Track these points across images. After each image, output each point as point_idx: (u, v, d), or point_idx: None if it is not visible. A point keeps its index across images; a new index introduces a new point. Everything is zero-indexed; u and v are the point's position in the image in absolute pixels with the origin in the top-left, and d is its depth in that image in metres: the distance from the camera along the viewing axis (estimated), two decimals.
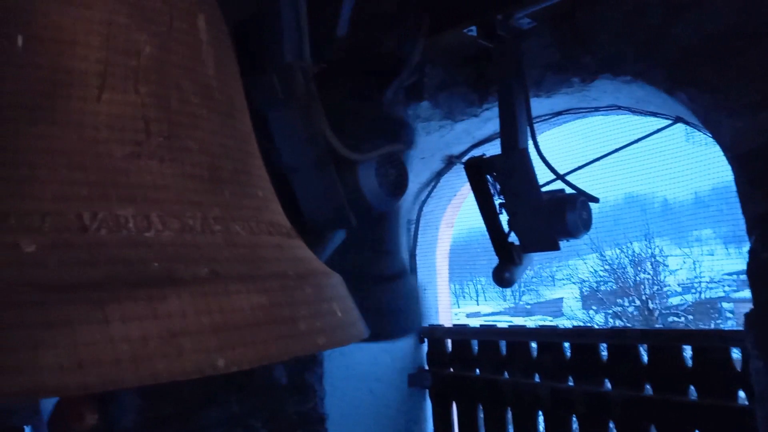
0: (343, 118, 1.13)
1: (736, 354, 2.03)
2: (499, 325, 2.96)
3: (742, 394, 1.99)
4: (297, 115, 1.04)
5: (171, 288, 0.64)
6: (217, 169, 0.80)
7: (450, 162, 2.57)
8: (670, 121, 1.87)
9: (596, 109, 2.00)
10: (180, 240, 0.71)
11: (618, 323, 17.07)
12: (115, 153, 0.71)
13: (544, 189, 1.67)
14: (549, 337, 2.47)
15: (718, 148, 1.82)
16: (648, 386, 2.19)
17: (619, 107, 1.91)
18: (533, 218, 1.66)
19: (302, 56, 1.05)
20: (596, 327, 3.07)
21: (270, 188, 0.95)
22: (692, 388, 2.11)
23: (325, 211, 1.14)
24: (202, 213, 0.76)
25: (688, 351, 2.15)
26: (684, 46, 1.41)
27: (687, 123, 1.80)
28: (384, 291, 1.50)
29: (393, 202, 1.17)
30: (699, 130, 1.75)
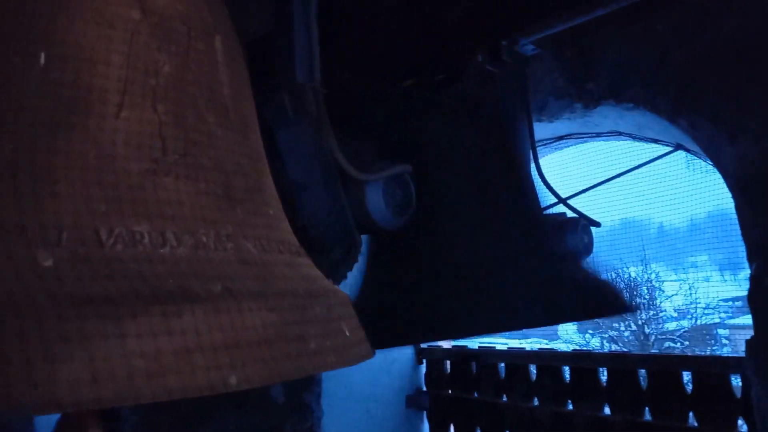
0: None
1: (735, 380, 2.03)
2: (496, 346, 2.95)
3: (740, 421, 1.99)
4: (307, 134, 1.05)
5: (185, 304, 0.65)
6: (231, 187, 0.81)
7: None
8: (670, 148, 1.89)
9: (597, 135, 2.02)
10: (194, 256, 0.72)
11: (614, 347, 17.00)
12: (132, 169, 0.72)
13: (545, 212, 1.68)
14: (548, 360, 2.47)
15: (714, 175, 1.84)
16: (647, 410, 2.18)
17: (620, 133, 1.94)
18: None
19: (313, 76, 1.07)
20: (595, 351, 3.07)
21: (280, 207, 0.96)
22: (691, 414, 2.10)
23: (331, 230, 1.15)
24: (216, 230, 0.77)
25: (686, 376, 2.15)
26: (689, 74, 1.44)
27: (687, 150, 1.82)
28: None
29: (399, 222, 1.18)
30: (699, 157, 1.78)
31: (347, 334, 0.85)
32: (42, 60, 0.71)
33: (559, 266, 1.25)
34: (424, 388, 2.90)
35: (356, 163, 1.10)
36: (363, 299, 1.35)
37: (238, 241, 0.78)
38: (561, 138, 2.09)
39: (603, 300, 1.25)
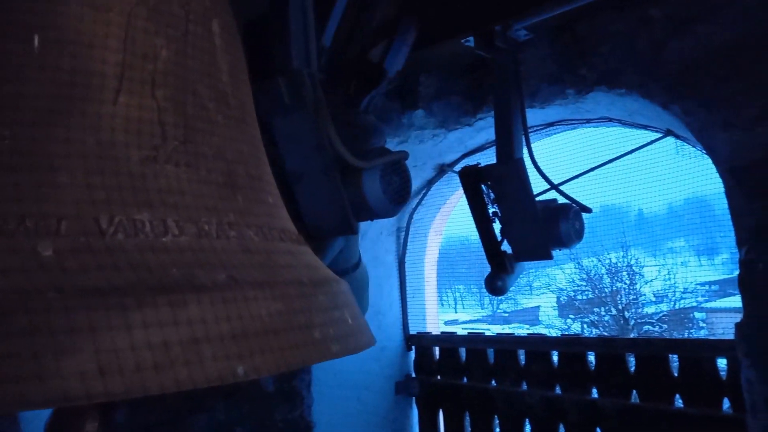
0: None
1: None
2: (484, 333, 2.97)
3: (726, 403, 2.03)
4: (304, 122, 1.04)
5: (191, 294, 0.64)
6: (232, 175, 0.80)
7: (442, 170, 2.59)
8: (659, 134, 1.91)
9: (588, 121, 2.03)
10: (197, 245, 0.71)
11: (595, 332, 17.27)
12: (132, 157, 0.70)
13: (537, 198, 1.69)
14: (537, 345, 2.49)
15: (693, 160, 1.86)
16: (635, 393, 2.22)
17: (611, 119, 1.95)
18: (527, 227, 1.67)
19: (309, 62, 1.05)
20: (583, 335, 3.10)
21: (278, 195, 0.95)
22: (678, 396, 2.14)
23: (327, 217, 1.14)
24: (218, 218, 0.76)
25: (672, 359, 2.19)
26: (684, 60, 1.44)
27: (677, 136, 1.84)
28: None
29: (396, 209, 1.17)
30: (689, 143, 1.79)
31: (350, 322, 0.84)
32: (36, 44, 0.68)
33: None
34: (414, 375, 2.91)
35: (354, 150, 1.09)
36: None
37: (240, 230, 0.77)
38: (552, 124, 2.09)
39: None
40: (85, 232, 0.64)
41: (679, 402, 2.14)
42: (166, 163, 0.73)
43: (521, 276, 1.93)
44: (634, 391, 2.22)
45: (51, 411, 0.97)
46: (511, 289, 1.85)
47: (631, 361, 2.28)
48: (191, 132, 0.76)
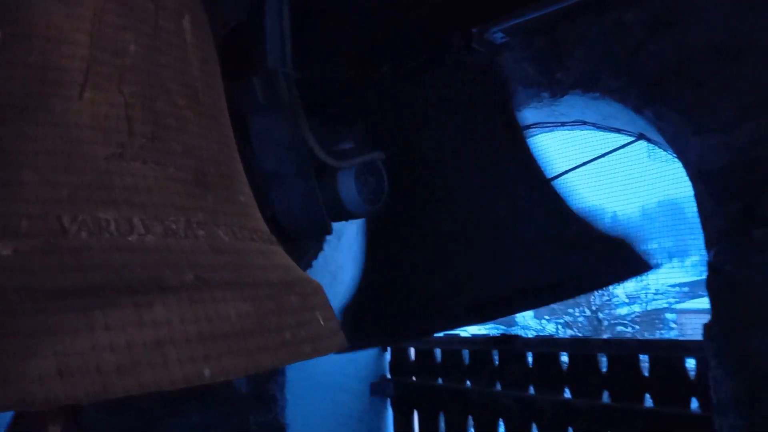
0: None
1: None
2: (460, 334, 2.98)
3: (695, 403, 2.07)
4: (279, 121, 1.03)
5: (157, 294, 0.62)
6: (202, 173, 0.79)
7: None
8: (632, 138, 1.94)
9: (563, 124, 2.05)
10: (163, 245, 0.70)
11: (569, 332, 17.49)
12: (97, 154, 0.69)
13: None
14: (512, 346, 2.51)
15: (666, 164, 1.88)
16: (606, 394, 2.25)
17: (585, 123, 1.97)
18: None
19: (285, 62, 1.04)
20: (553, 336, 3.14)
21: (250, 194, 0.93)
22: (648, 395, 2.18)
23: (302, 218, 1.13)
24: (186, 217, 0.74)
25: (643, 360, 2.23)
26: (658, 66, 1.46)
27: (649, 140, 1.87)
28: None
29: (372, 209, 1.16)
30: (660, 147, 1.82)
31: (322, 323, 0.83)
32: (1, 39, 0.66)
33: (572, 226, 1.15)
34: (389, 376, 2.91)
35: (329, 149, 1.08)
36: (366, 288, 1.31)
37: (209, 229, 0.76)
38: (528, 127, 2.11)
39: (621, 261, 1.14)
40: (47, 232, 0.62)
41: (649, 401, 2.17)
42: (133, 160, 0.71)
43: None
44: (606, 391, 2.25)
45: (12, 414, 0.95)
46: None
47: (604, 361, 2.31)
48: (160, 129, 0.74)
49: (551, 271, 1.05)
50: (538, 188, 1.21)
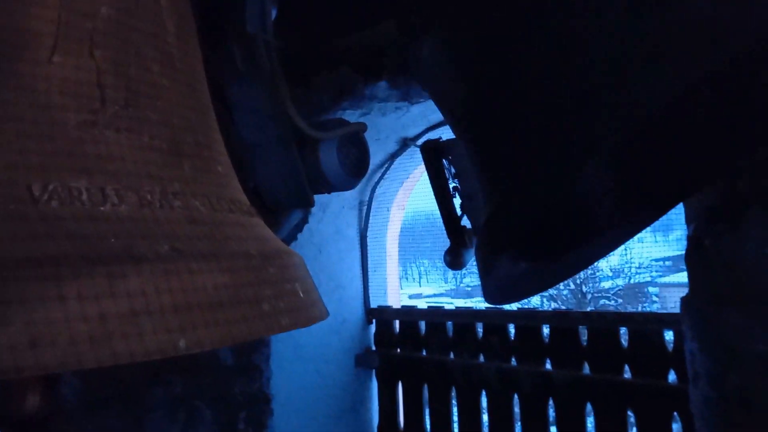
0: None
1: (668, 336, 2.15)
2: (444, 306, 3.01)
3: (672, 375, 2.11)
4: (259, 90, 1.01)
5: (130, 265, 0.61)
6: (178, 142, 0.77)
7: (405, 144, 2.57)
8: None
9: None
10: (138, 215, 0.68)
11: (554, 305, 17.76)
12: (68, 121, 0.67)
13: None
14: (495, 318, 2.53)
15: None
16: (587, 365, 2.29)
17: None
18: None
19: (265, 28, 1.02)
20: (537, 308, 3.18)
21: (229, 164, 0.92)
22: (627, 367, 2.22)
23: (284, 189, 1.12)
24: (161, 187, 0.73)
25: (623, 332, 2.26)
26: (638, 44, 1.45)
27: None
28: None
29: (354, 182, 1.15)
30: None
31: (301, 295, 0.83)
32: None
33: None
34: (374, 348, 2.93)
35: (310, 120, 1.06)
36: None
37: (186, 199, 0.74)
38: None
39: None
40: (16, 199, 0.61)
41: (628, 373, 2.22)
42: (106, 128, 0.69)
43: None
44: (586, 363, 2.29)
45: None
46: (469, 263, 1.86)
47: (585, 334, 2.35)
48: (134, 96, 0.72)
49: None
50: None
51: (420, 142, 2.08)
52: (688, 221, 1.49)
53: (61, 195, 0.64)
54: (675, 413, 2.06)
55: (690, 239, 1.48)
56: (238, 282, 0.69)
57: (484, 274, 0.98)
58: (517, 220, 0.83)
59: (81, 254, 0.60)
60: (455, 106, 0.97)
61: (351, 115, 2.10)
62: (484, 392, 2.56)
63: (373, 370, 2.90)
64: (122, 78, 0.72)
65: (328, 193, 1.17)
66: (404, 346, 2.85)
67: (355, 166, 1.15)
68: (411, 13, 0.90)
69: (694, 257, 1.45)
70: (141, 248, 0.64)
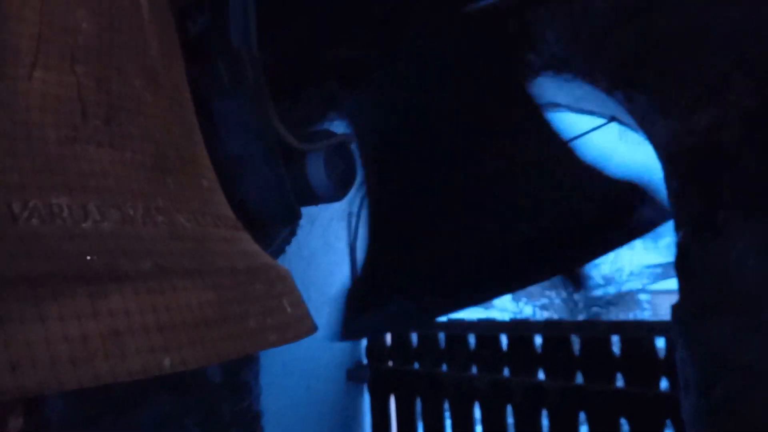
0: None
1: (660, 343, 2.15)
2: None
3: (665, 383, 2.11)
4: (244, 104, 1.00)
5: (113, 284, 0.60)
6: (161, 158, 0.76)
7: None
8: (605, 120, 1.94)
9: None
10: (120, 232, 0.67)
11: (546, 314, 17.78)
12: (49, 137, 0.66)
13: None
14: (487, 329, 2.53)
15: (641, 148, 1.90)
16: (579, 375, 2.28)
17: (558, 105, 1.97)
18: None
19: (250, 43, 1.01)
20: (529, 318, 3.17)
21: (215, 179, 0.91)
22: (620, 375, 2.22)
23: (270, 203, 1.11)
24: (144, 203, 0.72)
25: (615, 340, 2.26)
26: (626, 48, 1.47)
27: (621, 122, 1.88)
28: None
29: (341, 194, 1.15)
30: (632, 130, 1.83)
31: (289, 310, 0.82)
32: None
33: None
34: (365, 362, 2.91)
35: (296, 132, 1.06)
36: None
37: (170, 215, 0.73)
38: None
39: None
40: None
41: (621, 381, 2.21)
42: (87, 143, 0.68)
43: None
44: (579, 372, 2.28)
45: None
46: None
47: (577, 343, 2.34)
48: (116, 111, 0.72)
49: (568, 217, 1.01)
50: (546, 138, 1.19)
51: None
52: (676, 228, 1.50)
53: (42, 212, 0.63)
54: (668, 421, 2.05)
55: (678, 246, 1.49)
56: (224, 298, 0.68)
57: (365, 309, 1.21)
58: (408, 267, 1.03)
59: (61, 273, 0.58)
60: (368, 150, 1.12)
61: (338, 126, 2.10)
62: (477, 404, 2.54)
63: (365, 384, 2.88)
64: (104, 93, 0.71)
65: (316, 205, 1.16)
66: (396, 359, 2.83)
67: (343, 178, 1.14)
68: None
69: (682, 265, 1.45)
70: (124, 266, 0.63)
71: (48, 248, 0.60)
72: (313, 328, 0.86)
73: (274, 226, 1.15)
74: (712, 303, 1.37)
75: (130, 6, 0.77)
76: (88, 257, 0.61)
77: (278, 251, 1.23)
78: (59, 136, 0.67)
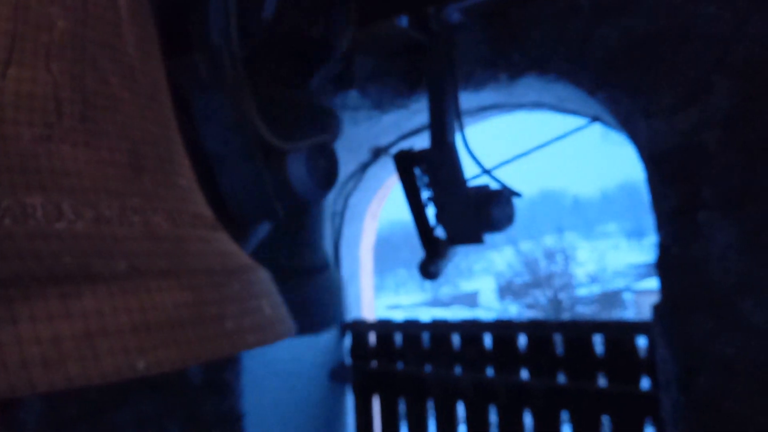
0: (268, 105, 1.08)
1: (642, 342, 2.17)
2: (420, 316, 3.00)
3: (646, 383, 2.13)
4: (223, 101, 0.99)
5: (86, 284, 0.59)
6: (138, 156, 0.75)
7: (377, 154, 2.57)
8: (588, 120, 1.96)
9: (521, 106, 2.06)
10: (95, 232, 0.66)
11: (531, 313, 17.92)
12: (23, 135, 0.65)
13: (470, 184, 1.70)
14: (471, 329, 2.53)
15: (625, 148, 1.91)
16: (562, 374, 2.30)
17: (543, 105, 1.98)
18: (460, 212, 1.68)
19: (229, 38, 1.00)
20: (513, 318, 3.17)
21: (193, 178, 0.90)
22: (602, 374, 2.23)
23: (250, 202, 1.10)
24: (120, 203, 0.71)
25: (597, 338, 2.28)
26: (609, 49, 1.48)
27: (604, 123, 1.89)
28: (306, 284, 1.46)
29: (322, 194, 1.14)
30: (615, 130, 1.85)
31: (267, 311, 0.81)
32: None
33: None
34: (349, 362, 2.90)
35: (277, 130, 1.05)
36: None
37: (145, 215, 0.72)
38: (486, 108, 2.11)
39: None
40: None
41: (603, 379, 2.23)
42: (62, 142, 0.67)
43: (456, 259, 1.94)
44: (562, 372, 2.30)
45: None
46: (443, 273, 1.86)
47: (560, 342, 2.35)
48: (91, 109, 0.70)
49: None
50: None
51: (393, 151, 2.08)
52: (657, 228, 1.51)
53: (15, 212, 0.62)
54: (648, 419, 2.07)
55: (660, 246, 1.50)
56: (200, 299, 0.67)
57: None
58: None
59: (34, 274, 0.57)
60: None
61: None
62: (461, 404, 2.55)
63: (349, 385, 2.87)
64: (79, 91, 0.70)
65: (297, 205, 1.15)
66: (380, 359, 2.83)
67: (324, 178, 1.14)
68: None
69: (664, 264, 1.47)
70: (97, 266, 0.62)
71: (21, 248, 0.59)
72: (291, 330, 0.86)
73: (254, 224, 1.14)
74: (692, 300, 1.38)
75: (107, 2, 0.75)
76: (62, 258, 0.60)
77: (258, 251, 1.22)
78: (33, 135, 0.65)
